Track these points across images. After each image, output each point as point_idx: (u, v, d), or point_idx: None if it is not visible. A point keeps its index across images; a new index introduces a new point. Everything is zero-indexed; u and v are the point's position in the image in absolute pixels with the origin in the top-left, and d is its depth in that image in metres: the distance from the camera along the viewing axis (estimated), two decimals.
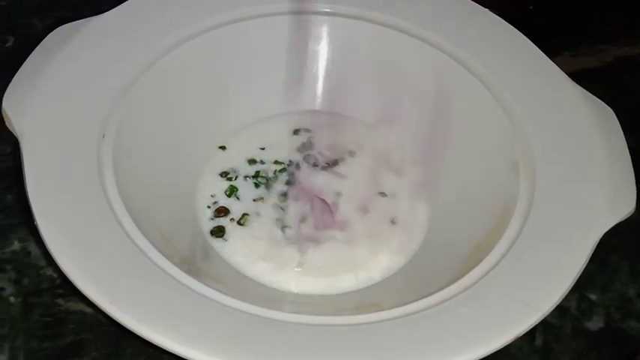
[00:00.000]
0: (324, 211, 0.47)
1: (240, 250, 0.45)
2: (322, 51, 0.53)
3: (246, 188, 0.48)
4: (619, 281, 0.49)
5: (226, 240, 0.45)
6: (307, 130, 0.52)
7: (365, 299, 0.42)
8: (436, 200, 0.48)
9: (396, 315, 0.36)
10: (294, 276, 0.44)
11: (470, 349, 0.34)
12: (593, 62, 0.64)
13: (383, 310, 0.37)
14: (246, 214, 0.46)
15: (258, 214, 0.47)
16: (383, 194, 0.49)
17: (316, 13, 0.52)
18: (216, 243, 0.45)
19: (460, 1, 0.53)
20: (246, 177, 0.48)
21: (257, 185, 0.48)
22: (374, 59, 0.52)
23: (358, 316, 0.37)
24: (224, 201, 0.47)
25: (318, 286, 0.44)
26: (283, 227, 0.46)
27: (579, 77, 0.50)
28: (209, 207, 0.47)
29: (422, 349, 0.35)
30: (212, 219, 0.46)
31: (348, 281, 0.44)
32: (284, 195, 0.48)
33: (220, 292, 0.36)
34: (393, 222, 0.47)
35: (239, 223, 0.46)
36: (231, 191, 0.47)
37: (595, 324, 0.46)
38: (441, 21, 0.51)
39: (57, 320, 0.43)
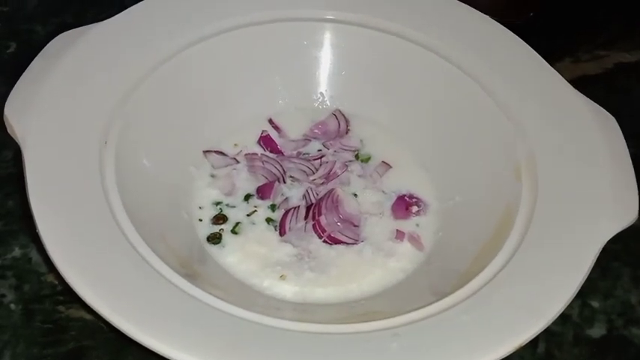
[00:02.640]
0: (335, 206, 0.46)
1: (236, 256, 0.45)
2: (325, 57, 0.53)
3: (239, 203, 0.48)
4: (621, 288, 0.48)
5: (223, 246, 0.45)
6: (308, 138, 0.52)
7: (366, 307, 0.42)
8: (440, 206, 0.48)
9: (397, 323, 0.36)
10: (293, 284, 0.44)
11: (472, 358, 0.34)
12: (594, 68, 0.64)
13: (384, 318, 0.37)
14: (239, 223, 0.46)
15: (252, 222, 0.47)
16: (387, 199, 0.49)
17: (319, 20, 0.52)
18: (213, 249, 0.45)
19: (462, 8, 0.53)
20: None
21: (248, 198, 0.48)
22: (376, 66, 0.52)
23: (359, 325, 0.36)
24: (222, 208, 0.47)
25: (319, 294, 0.43)
26: (276, 228, 0.46)
27: (580, 83, 0.50)
28: (203, 211, 0.47)
29: (423, 357, 0.34)
30: (210, 225, 0.46)
31: (349, 289, 0.44)
32: (282, 195, 0.48)
33: (221, 299, 0.36)
34: (398, 230, 0.47)
35: (233, 231, 0.46)
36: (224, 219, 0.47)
37: (597, 331, 0.46)
38: (442, 28, 0.51)
39: (58, 327, 0.43)
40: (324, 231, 0.46)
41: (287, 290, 0.43)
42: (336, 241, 0.46)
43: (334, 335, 0.35)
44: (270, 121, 0.53)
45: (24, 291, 0.44)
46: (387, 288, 0.44)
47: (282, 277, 0.44)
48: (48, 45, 0.46)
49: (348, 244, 0.46)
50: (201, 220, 0.47)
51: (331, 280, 0.44)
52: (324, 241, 0.46)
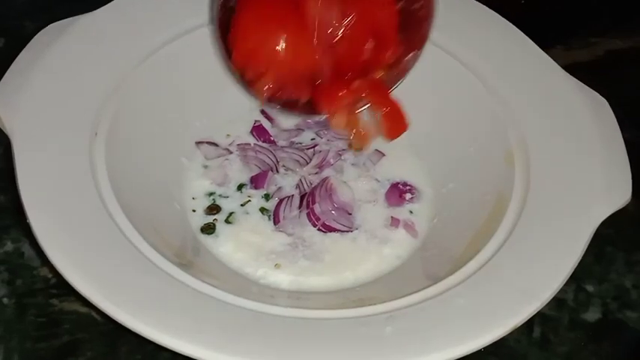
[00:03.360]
0: (329, 194, 0.46)
1: (230, 246, 0.45)
2: None
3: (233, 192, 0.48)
4: (615, 272, 0.49)
5: (217, 236, 0.45)
6: (301, 127, 0.52)
7: (361, 294, 0.42)
8: (434, 193, 0.48)
9: (393, 307, 0.36)
10: (287, 272, 0.44)
11: (467, 340, 0.34)
12: (586, 56, 0.64)
13: (381, 303, 0.36)
14: (233, 213, 0.46)
15: (246, 212, 0.47)
16: (380, 187, 0.49)
17: None
18: (207, 240, 0.45)
19: None
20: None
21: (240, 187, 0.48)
22: None
23: (354, 310, 0.36)
24: (215, 199, 0.47)
25: (314, 282, 0.43)
26: (270, 217, 0.46)
27: (572, 70, 0.50)
28: (196, 202, 0.47)
29: (418, 341, 0.34)
30: (203, 216, 0.46)
31: (344, 276, 0.44)
32: (274, 185, 0.48)
33: (215, 287, 0.36)
34: (393, 217, 0.47)
35: (227, 221, 0.46)
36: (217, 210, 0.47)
37: (592, 315, 0.46)
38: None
39: (51, 320, 0.43)
40: (318, 219, 0.46)
41: (282, 279, 0.43)
42: (330, 229, 0.46)
43: (329, 321, 0.35)
44: (263, 112, 0.52)
45: (17, 285, 0.44)
46: (381, 274, 0.44)
47: (276, 265, 0.44)
48: (35, 37, 0.45)
49: (342, 231, 0.46)
50: (194, 210, 0.46)
51: (326, 268, 0.44)
52: (319, 230, 0.46)
